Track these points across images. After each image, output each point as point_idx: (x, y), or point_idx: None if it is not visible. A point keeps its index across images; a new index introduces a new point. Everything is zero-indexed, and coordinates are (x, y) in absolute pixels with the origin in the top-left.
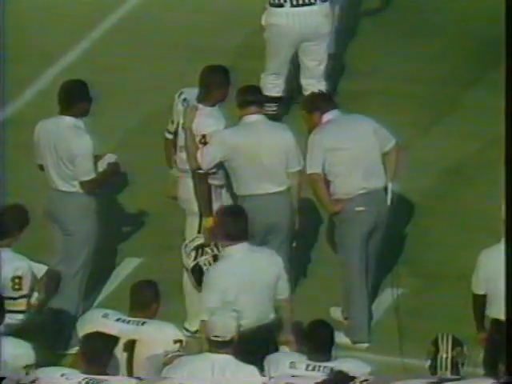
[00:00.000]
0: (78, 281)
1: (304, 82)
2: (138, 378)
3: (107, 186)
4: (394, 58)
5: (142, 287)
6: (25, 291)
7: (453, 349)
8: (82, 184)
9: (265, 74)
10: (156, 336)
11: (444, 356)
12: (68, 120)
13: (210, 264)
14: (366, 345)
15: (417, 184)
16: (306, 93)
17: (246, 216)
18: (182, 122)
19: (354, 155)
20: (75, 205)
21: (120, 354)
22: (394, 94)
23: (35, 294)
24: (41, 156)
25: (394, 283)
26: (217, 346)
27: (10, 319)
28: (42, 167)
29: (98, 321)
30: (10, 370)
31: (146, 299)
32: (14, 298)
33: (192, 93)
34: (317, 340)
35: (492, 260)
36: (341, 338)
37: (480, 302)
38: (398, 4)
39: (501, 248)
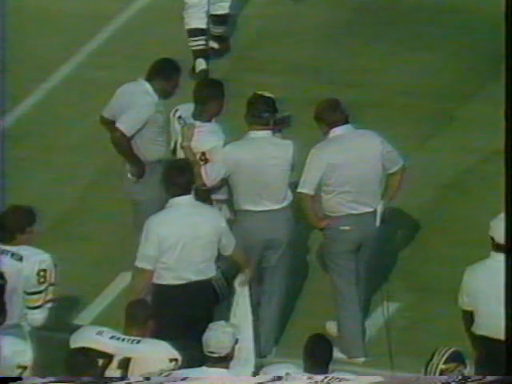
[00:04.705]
0: None
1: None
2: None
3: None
4: (391, 70)
5: (137, 304)
6: (48, 284)
7: (446, 362)
8: (114, 131)
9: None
10: (151, 354)
11: (435, 365)
12: (146, 85)
13: None
14: (362, 359)
15: (414, 198)
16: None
17: (190, 169)
18: (179, 140)
19: (350, 178)
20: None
21: (114, 371)
22: (391, 107)
23: (50, 288)
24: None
25: (385, 298)
26: (212, 361)
27: (34, 315)
28: (104, 120)
29: (92, 338)
30: (7, 368)
31: (141, 316)
32: (39, 292)
33: (187, 109)
34: (315, 355)
35: (475, 277)
36: (337, 353)
37: (468, 318)
38: (396, 16)
39: (485, 265)
